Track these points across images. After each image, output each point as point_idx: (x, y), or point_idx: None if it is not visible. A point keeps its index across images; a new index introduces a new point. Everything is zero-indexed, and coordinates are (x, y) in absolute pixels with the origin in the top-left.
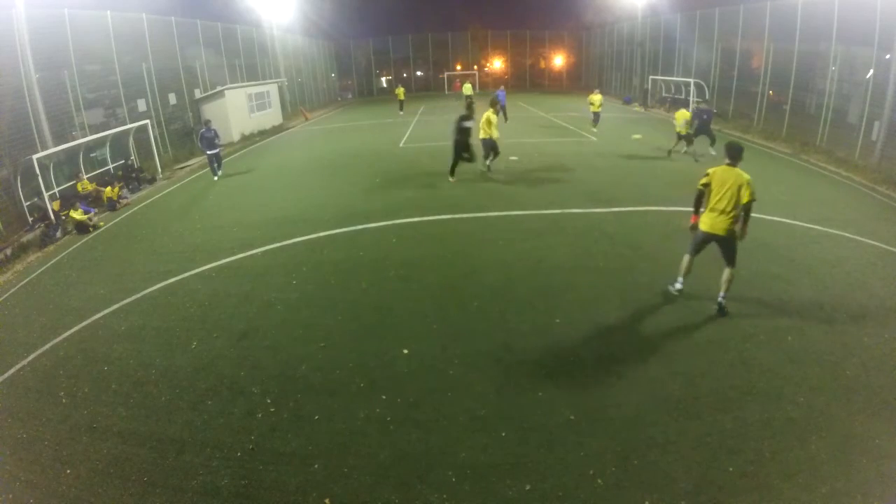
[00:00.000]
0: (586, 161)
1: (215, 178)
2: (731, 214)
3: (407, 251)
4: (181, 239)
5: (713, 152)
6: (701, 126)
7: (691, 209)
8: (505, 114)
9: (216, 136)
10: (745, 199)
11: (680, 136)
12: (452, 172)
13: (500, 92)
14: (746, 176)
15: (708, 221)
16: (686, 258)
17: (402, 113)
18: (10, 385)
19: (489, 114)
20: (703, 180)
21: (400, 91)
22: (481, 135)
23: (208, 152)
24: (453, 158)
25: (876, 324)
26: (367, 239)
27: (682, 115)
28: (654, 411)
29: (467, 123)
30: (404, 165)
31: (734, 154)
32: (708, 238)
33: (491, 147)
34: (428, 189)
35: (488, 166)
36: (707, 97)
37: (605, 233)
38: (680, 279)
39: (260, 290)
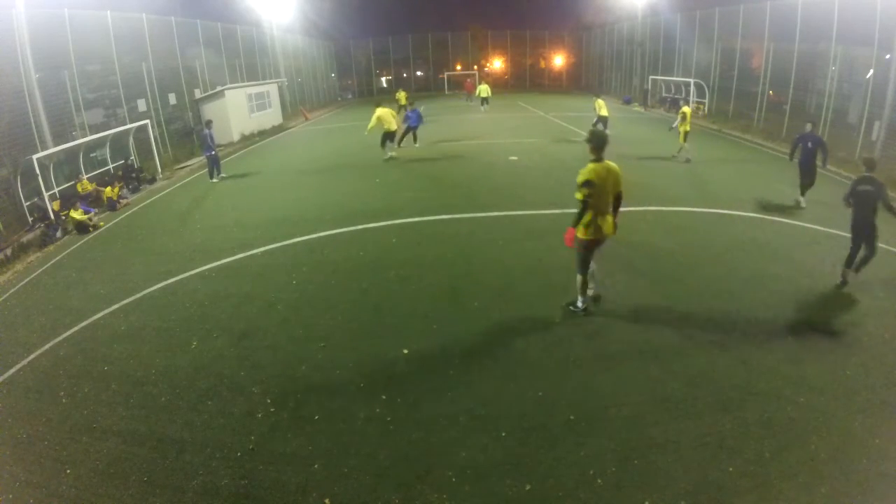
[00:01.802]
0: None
1: (213, 179)
2: (611, 211)
3: (407, 251)
4: (181, 239)
5: (803, 202)
6: (802, 160)
7: (577, 217)
8: (414, 136)
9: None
10: (620, 189)
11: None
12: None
13: (412, 112)
14: (615, 165)
15: (602, 225)
16: (580, 278)
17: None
18: (10, 385)
19: (384, 111)
20: (587, 191)
21: (401, 95)
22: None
23: (207, 154)
24: (855, 245)
25: (876, 324)
26: (367, 239)
27: (600, 105)
28: (654, 411)
29: (866, 187)
30: (404, 166)
31: (602, 145)
32: (598, 244)
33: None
34: (428, 189)
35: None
36: (813, 122)
37: None
38: (581, 299)
39: (260, 290)
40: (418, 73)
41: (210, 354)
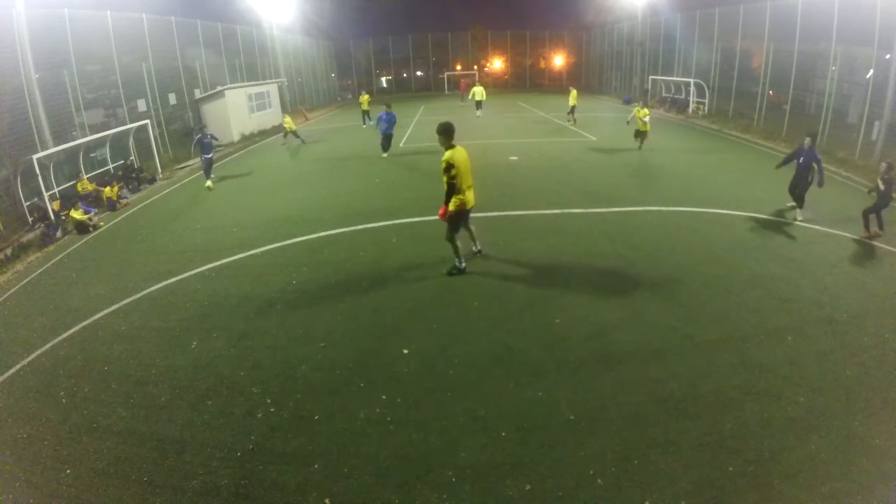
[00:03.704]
0: (586, 161)
1: (208, 182)
2: (471, 186)
3: (407, 251)
4: (181, 239)
5: (799, 217)
6: (796, 173)
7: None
8: (387, 144)
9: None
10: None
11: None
12: None
13: (385, 114)
14: (464, 149)
15: (469, 197)
16: (452, 246)
17: (366, 126)
18: (10, 385)
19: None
20: (453, 171)
21: (363, 98)
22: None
23: (206, 156)
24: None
25: (876, 324)
26: (367, 239)
27: (573, 95)
28: (654, 411)
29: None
30: (404, 166)
31: (450, 135)
32: (466, 214)
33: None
34: (428, 189)
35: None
36: (813, 135)
37: (605, 233)
38: (459, 260)
39: (260, 290)
40: (418, 73)
41: (210, 354)
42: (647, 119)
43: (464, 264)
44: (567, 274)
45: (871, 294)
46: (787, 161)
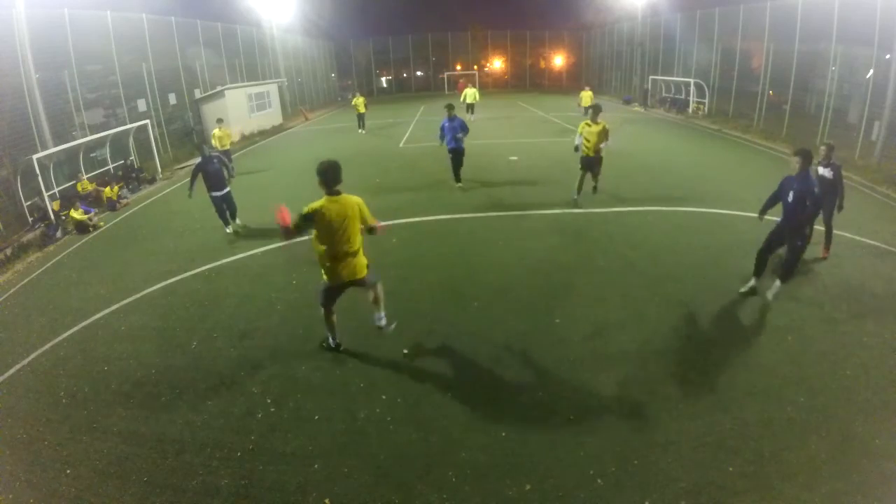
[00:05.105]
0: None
1: (228, 229)
2: (360, 248)
3: (407, 251)
4: (181, 239)
5: (771, 293)
6: (783, 219)
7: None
8: (458, 164)
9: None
10: (370, 222)
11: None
12: None
13: (452, 121)
14: (356, 197)
15: (341, 270)
16: (322, 311)
17: (362, 131)
18: (10, 385)
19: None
20: (306, 224)
21: (359, 101)
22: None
23: (216, 194)
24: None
25: (876, 324)
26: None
27: (588, 96)
28: (654, 411)
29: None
30: (404, 165)
31: (328, 178)
32: (341, 289)
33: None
34: (428, 189)
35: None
36: (803, 154)
37: (605, 233)
38: (329, 336)
39: (260, 290)
40: (418, 73)
41: (210, 354)
42: (601, 142)
43: (337, 341)
44: (567, 274)
45: (871, 294)
46: (770, 205)
